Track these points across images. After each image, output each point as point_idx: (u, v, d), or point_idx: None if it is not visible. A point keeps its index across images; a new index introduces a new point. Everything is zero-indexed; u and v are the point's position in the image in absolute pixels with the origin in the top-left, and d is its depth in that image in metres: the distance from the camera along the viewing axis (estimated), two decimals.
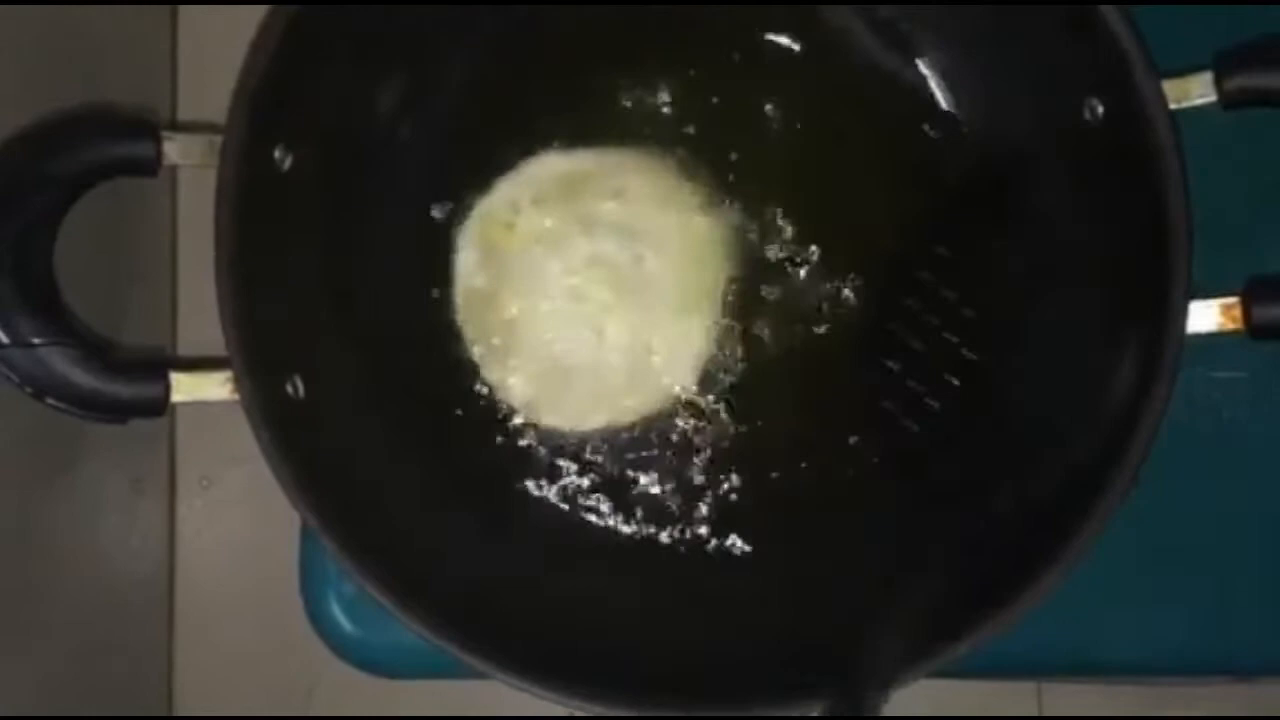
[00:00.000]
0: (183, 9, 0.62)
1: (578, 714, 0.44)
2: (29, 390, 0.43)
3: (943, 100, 0.51)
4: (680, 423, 0.51)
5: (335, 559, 0.43)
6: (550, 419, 0.51)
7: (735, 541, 0.50)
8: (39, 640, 0.54)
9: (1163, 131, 0.43)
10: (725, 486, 0.51)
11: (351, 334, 0.49)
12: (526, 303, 0.51)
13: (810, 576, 0.49)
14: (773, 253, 0.51)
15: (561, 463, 0.51)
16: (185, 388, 0.44)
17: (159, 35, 0.62)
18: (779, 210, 0.51)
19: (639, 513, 0.51)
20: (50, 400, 0.43)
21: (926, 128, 0.51)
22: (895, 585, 0.45)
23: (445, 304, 0.51)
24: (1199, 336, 0.43)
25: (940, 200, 0.51)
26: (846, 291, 0.51)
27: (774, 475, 0.51)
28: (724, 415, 0.51)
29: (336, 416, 0.47)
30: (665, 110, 0.51)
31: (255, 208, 0.44)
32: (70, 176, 0.43)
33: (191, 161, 0.44)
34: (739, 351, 0.51)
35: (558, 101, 0.51)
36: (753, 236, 0.51)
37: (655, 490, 0.51)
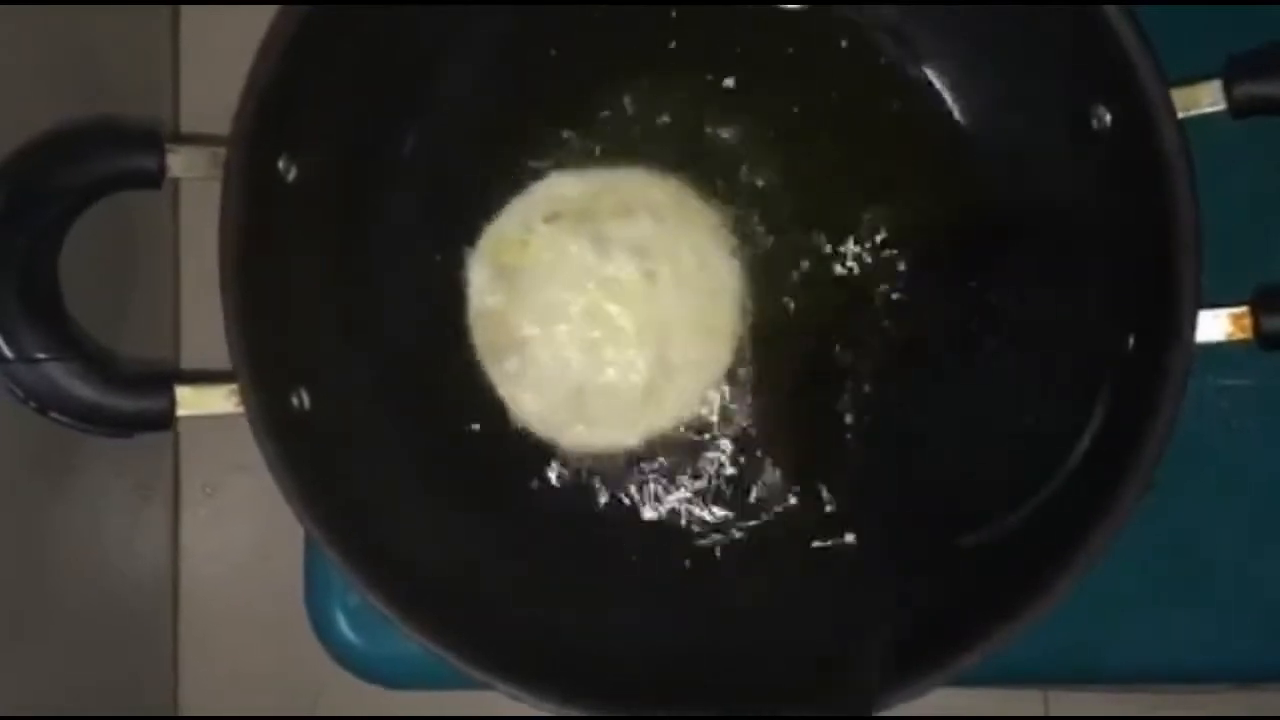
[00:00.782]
0: (185, 19, 0.62)
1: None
2: (33, 405, 0.43)
3: (950, 108, 0.51)
4: (694, 439, 0.51)
5: (339, 571, 0.43)
6: (566, 437, 0.51)
7: (745, 555, 0.50)
8: (43, 647, 0.54)
9: (1171, 139, 0.42)
10: (737, 500, 0.51)
11: (357, 346, 0.49)
12: (540, 322, 0.51)
13: (815, 586, 0.49)
14: (787, 264, 0.51)
15: (571, 479, 0.51)
16: (190, 401, 0.44)
17: (161, 46, 0.62)
18: (788, 219, 0.51)
19: (647, 529, 0.51)
20: (55, 415, 0.43)
21: (934, 136, 0.50)
22: (894, 594, 0.45)
23: (453, 316, 0.51)
24: (1208, 346, 0.43)
25: (948, 209, 0.50)
26: (864, 300, 0.51)
27: (786, 488, 0.51)
28: (739, 432, 0.51)
29: (341, 429, 0.46)
30: (673, 125, 0.51)
31: (260, 220, 0.44)
32: (75, 190, 0.43)
33: (196, 174, 0.44)
34: (757, 368, 0.51)
35: (567, 116, 0.51)
36: (765, 248, 0.51)
37: (665, 506, 0.51)
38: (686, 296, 0.51)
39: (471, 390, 0.51)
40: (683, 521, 0.51)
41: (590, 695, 0.43)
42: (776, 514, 0.50)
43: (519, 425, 0.51)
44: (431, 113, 0.50)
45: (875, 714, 0.42)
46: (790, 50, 0.51)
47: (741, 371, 0.51)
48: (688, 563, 0.50)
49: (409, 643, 0.43)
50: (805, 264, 0.51)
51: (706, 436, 0.51)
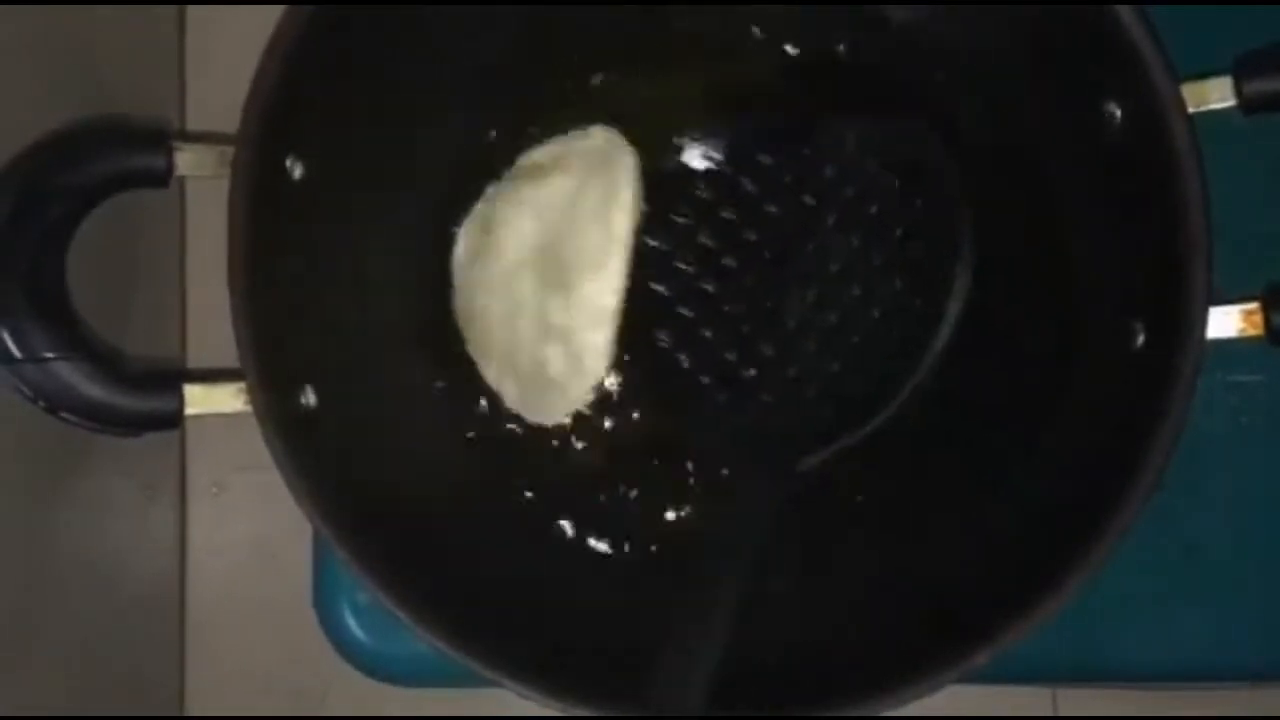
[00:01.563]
0: (191, 18, 0.62)
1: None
2: (42, 405, 0.43)
3: (956, 105, 0.50)
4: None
5: (349, 569, 0.43)
6: (536, 418, 0.51)
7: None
8: (50, 646, 0.54)
9: (1181, 136, 0.42)
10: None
11: (364, 344, 0.48)
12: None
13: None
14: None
15: (559, 467, 0.51)
16: (198, 400, 0.44)
17: (167, 46, 0.62)
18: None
19: (665, 525, 0.51)
20: (64, 414, 0.43)
21: (940, 134, 0.50)
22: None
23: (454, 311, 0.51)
24: (1219, 342, 0.43)
25: (955, 207, 0.50)
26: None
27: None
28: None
29: (351, 427, 0.46)
30: (653, 109, 0.51)
31: (267, 218, 0.44)
32: (82, 189, 0.43)
33: (203, 173, 0.44)
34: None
35: (561, 102, 0.51)
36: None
37: (642, 497, 0.51)
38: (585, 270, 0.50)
39: (472, 381, 0.51)
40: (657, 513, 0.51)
41: (602, 695, 0.43)
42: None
43: (508, 413, 0.51)
44: (438, 110, 0.50)
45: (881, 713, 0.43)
46: (789, 48, 0.51)
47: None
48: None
49: (418, 641, 0.43)
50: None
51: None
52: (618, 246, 0.50)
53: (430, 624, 0.43)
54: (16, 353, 0.42)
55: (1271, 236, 0.50)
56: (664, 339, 0.50)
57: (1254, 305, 0.43)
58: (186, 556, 0.65)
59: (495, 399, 0.51)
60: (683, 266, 0.50)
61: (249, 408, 0.43)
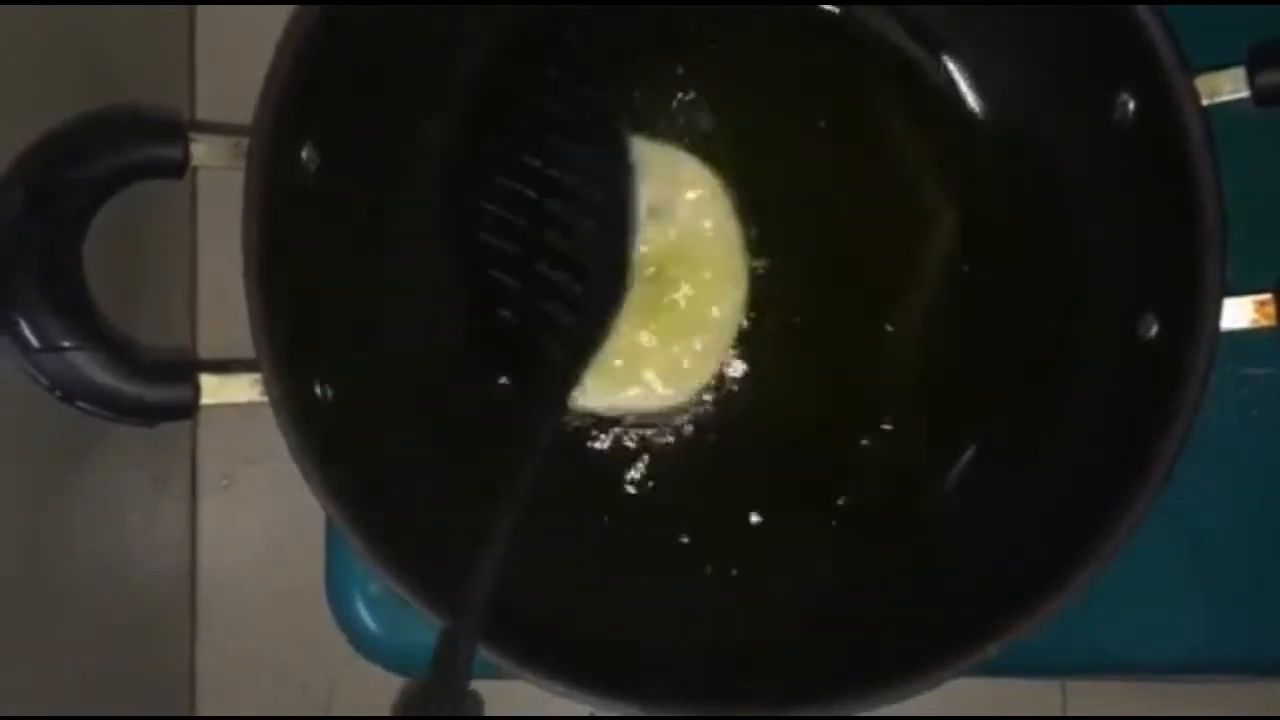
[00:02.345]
0: (200, 12, 0.62)
1: (600, 714, 0.44)
2: (58, 394, 0.43)
3: (970, 98, 0.51)
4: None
5: (363, 560, 0.43)
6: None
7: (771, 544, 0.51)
8: (60, 638, 0.54)
9: (1195, 127, 0.42)
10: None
11: (380, 334, 0.49)
12: None
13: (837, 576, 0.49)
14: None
15: (600, 461, 0.51)
16: (214, 390, 0.44)
17: (177, 40, 0.62)
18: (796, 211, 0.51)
19: (668, 515, 0.51)
20: (80, 404, 0.43)
21: (954, 127, 0.50)
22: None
23: (476, 304, 0.51)
24: (1231, 334, 0.43)
25: (970, 200, 0.50)
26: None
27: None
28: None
29: (365, 418, 0.46)
30: (690, 110, 0.51)
31: (283, 209, 0.44)
32: (98, 180, 0.43)
33: (218, 163, 0.44)
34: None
35: (584, 101, 0.51)
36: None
37: (683, 492, 0.51)
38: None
39: (493, 373, 0.51)
40: (702, 509, 0.51)
41: (624, 687, 0.43)
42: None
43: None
44: (453, 100, 0.50)
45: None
46: (807, 44, 0.51)
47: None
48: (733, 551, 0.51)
49: (430, 631, 0.43)
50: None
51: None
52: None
53: (445, 613, 0.43)
54: (35, 342, 0.42)
55: None
56: None
57: (1267, 296, 0.43)
58: (197, 548, 0.65)
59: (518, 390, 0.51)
60: None
61: (264, 398, 0.43)
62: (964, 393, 0.50)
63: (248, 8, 0.55)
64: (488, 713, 0.47)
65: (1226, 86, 0.43)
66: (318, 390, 0.45)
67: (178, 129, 0.44)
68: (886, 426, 0.51)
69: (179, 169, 0.44)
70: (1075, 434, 0.47)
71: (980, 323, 0.50)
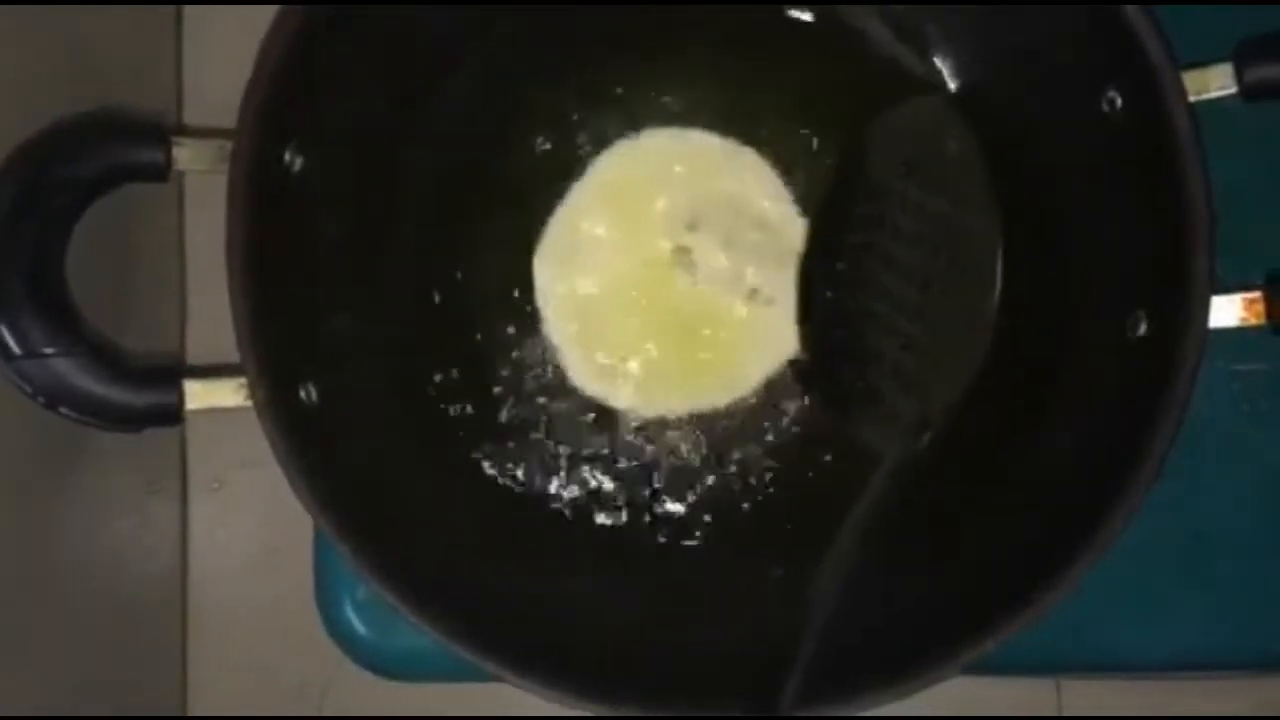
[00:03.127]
0: (187, 15, 0.62)
1: (587, 717, 0.44)
2: (41, 401, 0.43)
3: (958, 94, 0.50)
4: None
5: (350, 565, 0.43)
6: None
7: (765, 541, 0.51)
8: (51, 641, 0.54)
9: (1182, 122, 0.42)
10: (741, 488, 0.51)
11: (366, 338, 0.48)
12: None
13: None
14: None
15: (580, 468, 0.51)
16: (199, 395, 0.44)
17: (164, 43, 0.62)
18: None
19: (652, 518, 0.51)
20: (63, 410, 0.43)
21: (943, 124, 0.50)
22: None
23: (460, 305, 0.51)
24: (1221, 331, 0.43)
25: (957, 199, 0.50)
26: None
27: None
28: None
29: (351, 422, 0.46)
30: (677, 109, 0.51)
31: (267, 212, 0.43)
32: (80, 183, 0.43)
33: (202, 167, 0.44)
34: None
35: (572, 101, 0.51)
36: None
37: (672, 498, 0.51)
38: None
39: (480, 375, 0.51)
40: (681, 512, 0.51)
41: (604, 691, 0.43)
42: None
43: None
44: (440, 103, 0.50)
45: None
46: (795, 47, 0.51)
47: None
48: (702, 552, 0.51)
49: (419, 636, 0.43)
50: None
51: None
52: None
53: (431, 618, 0.43)
54: (16, 349, 0.42)
55: (1273, 224, 0.50)
56: None
57: (1256, 294, 0.43)
58: (188, 551, 0.65)
59: (503, 392, 0.51)
60: None
61: (250, 403, 0.43)
62: None
63: (235, 11, 0.55)
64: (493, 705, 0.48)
65: (1214, 82, 0.43)
66: (304, 394, 0.44)
67: (159, 132, 0.44)
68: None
69: (162, 173, 0.44)
70: (1066, 430, 0.46)
71: None
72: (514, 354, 0.52)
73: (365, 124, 0.48)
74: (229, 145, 0.43)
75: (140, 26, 0.61)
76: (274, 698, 0.65)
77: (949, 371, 0.48)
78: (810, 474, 0.51)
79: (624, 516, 0.51)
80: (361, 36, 0.46)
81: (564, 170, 0.52)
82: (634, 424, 0.52)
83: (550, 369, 0.52)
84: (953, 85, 0.50)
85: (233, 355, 0.43)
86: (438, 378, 0.51)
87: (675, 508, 0.51)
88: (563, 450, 0.51)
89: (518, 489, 0.51)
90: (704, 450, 0.51)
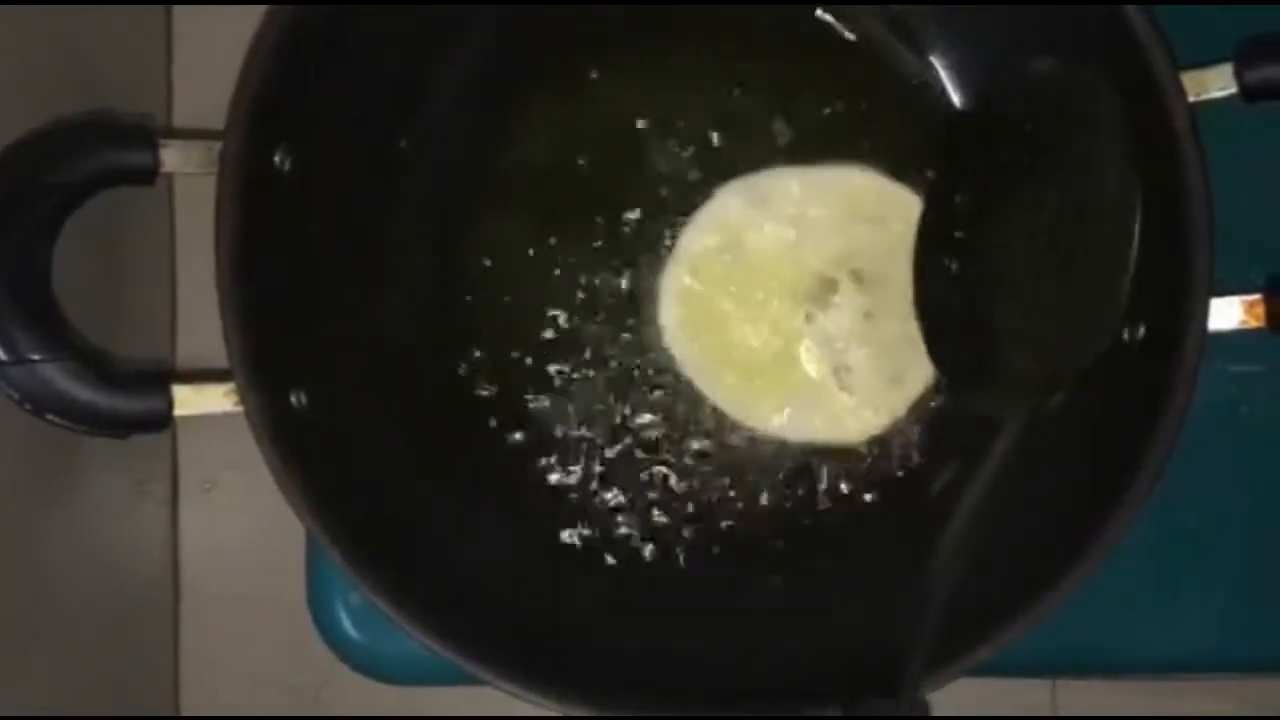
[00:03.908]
0: (177, 17, 0.62)
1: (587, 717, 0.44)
2: (28, 408, 0.42)
3: (955, 97, 0.50)
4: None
5: (341, 570, 0.43)
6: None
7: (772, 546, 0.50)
8: (43, 644, 0.54)
9: (1182, 123, 0.42)
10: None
11: (357, 343, 0.48)
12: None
13: (838, 581, 0.49)
14: None
15: (572, 472, 0.51)
16: (188, 401, 0.43)
17: (154, 45, 0.62)
18: None
19: (651, 525, 0.50)
20: (50, 417, 0.43)
21: (938, 124, 0.50)
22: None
23: (455, 309, 0.50)
24: (1220, 334, 0.43)
25: (953, 199, 0.50)
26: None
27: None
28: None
29: (341, 428, 0.46)
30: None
31: (256, 215, 0.43)
32: (67, 187, 0.43)
33: (191, 169, 0.44)
34: None
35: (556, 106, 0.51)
36: None
37: (670, 504, 0.51)
38: None
39: (471, 382, 0.50)
40: (686, 519, 0.50)
41: (595, 695, 0.43)
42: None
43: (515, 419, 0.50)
44: (430, 104, 0.50)
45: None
46: (790, 43, 0.51)
47: None
48: (697, 563, 0.50)
49: (411, 640, 0.43)
50: None
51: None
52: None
53: (423, 624, 0.43)
54: (2, 355, 0.42)
55: (1272, 227, 0.49)
56: None
57: (1256, 296, 0.43)
58: (179, 553, 0.65)
59: (495, 397, 0.51)
60: None
61: (239, 408, 0.43)
62: None
63: (224, 12, 0.54)
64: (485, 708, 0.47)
65: (1214, 83, 0.43)
66: (294, 400, 0.44)
67: (146, 134, 0.43)
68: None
69: (150, 175, 0.44)
70: (1066, 435, 0.46)
71: None
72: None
73: (356, 124, 0.48)
74: (217, 146, 0.43)
75: (130, 27, 0.61)
76: (266, 701, 0.65)
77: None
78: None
79: (625, 526, 0.51)
80: (351, 35, 0.46)
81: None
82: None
83: None
84: (951, 89, 0.50)
85: (222, 360, 0.43)
86: (434, 384, 0.50)
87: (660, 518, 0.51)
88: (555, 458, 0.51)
89: (516, 496, 0.50)
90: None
